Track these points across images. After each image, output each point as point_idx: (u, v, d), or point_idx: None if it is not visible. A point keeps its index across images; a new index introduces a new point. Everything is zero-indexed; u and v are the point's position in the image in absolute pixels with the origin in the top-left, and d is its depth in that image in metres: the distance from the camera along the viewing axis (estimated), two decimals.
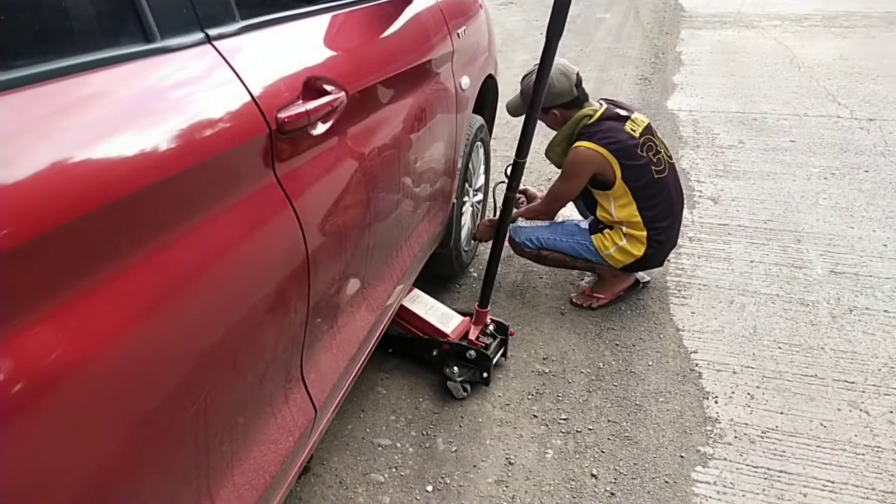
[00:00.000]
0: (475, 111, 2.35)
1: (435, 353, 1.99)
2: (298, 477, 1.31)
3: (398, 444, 1.80)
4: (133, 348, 0.76)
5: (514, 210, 2.23)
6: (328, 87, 1.16)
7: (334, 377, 1.32)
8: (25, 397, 0.62)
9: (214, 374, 0.92)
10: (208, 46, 0.93)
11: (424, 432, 1.84)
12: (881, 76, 4.85)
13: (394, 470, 1.72)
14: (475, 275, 2.60)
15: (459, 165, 2.18)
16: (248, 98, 0.96)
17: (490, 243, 2.15)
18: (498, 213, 2.25)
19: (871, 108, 4.21)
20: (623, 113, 2.24)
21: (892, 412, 1.83)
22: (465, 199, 2.44)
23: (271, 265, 1.02)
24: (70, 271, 0.69)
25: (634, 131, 2.19)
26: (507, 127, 3.88)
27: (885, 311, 2.26)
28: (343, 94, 1.19)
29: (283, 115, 1.01)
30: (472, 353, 1.95)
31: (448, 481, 1.68)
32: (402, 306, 1.99)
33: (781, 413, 1.85)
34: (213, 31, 0.94)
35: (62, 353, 0.67)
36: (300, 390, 1.18)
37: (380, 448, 1.79)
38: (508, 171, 1.98)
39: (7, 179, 0.62)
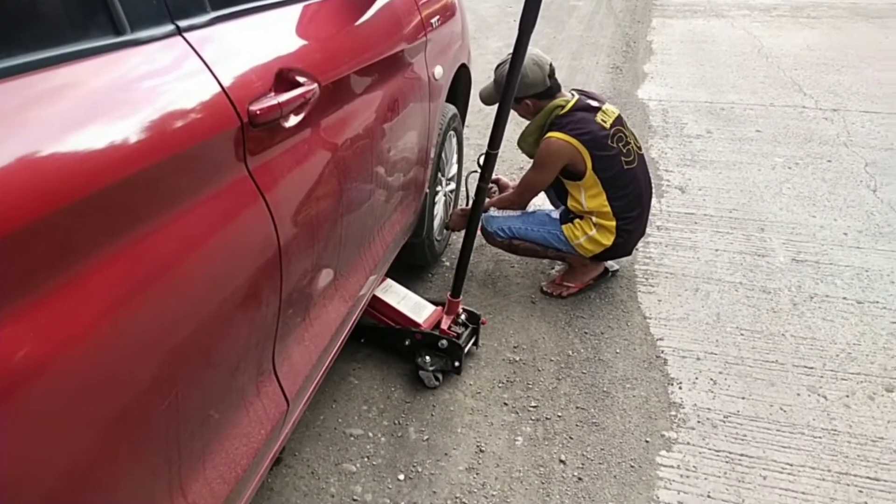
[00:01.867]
0: (448, 100, 2.35)
1: (407, 342, 2.01)
2: (270, 468, 1.32)
3: (370, 434, 1.82)
4: (104, 344, 0.76)
5: (487, 200, 2.25)
6: (300, 79, 1.15)
7: (307, 369, 1.33)
8: None
9: (186, 368, 0.92)
10: (178, 38, 0.92)
11: (396, 421, 1.86)
12: (846, 67, 4.97)
13: (366, 459, 1.74)
14: (447, 264, 2.62)
15: (432, 155, 2.18)
16: (220, 90, 0.95)
17: (462, 232, 2.16)
18: (470, 203, 2.26)
19: (836, 99, 4.31)
20: (594, 104, 2.26)
21: (848, 396, 1.91)
22: (438, 188, 2.45)
23: (243, 258, 1.02)
24: (40, 267, 0.68)
25: (605, 122, 2.22)
26: (480, 115, 3.89)
27: (844, 298, 2.33)
28: (315, 85, 1.18)
29: (255, 107, 1.01)
30: (444, 342, 1.97)
31: (420, 469, 1.71)
32: (374, 296, 1.99)
33: (743, 398, 1.91)
34: (183, 23, 0.93)
35: (32, 349, 0.66)
36: (272, 383, 1.19)
37: (352, 438, 1.81)
38: (481, 161, 1.99)
39: None
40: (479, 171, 1.99)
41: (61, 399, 0.71)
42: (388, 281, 2.09)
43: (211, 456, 1.00)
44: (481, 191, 1.99)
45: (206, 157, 0.93)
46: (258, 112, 1.01)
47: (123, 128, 0.79)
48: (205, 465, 0.99)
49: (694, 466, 1.70)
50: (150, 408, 0.85)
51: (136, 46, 0.84)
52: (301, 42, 1.27)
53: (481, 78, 2.81)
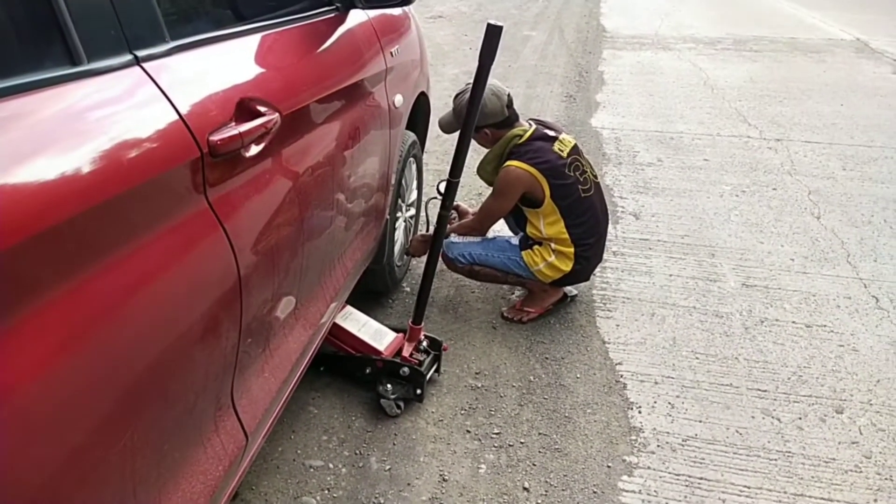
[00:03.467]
0: (408, 127, 2.37)
1: (368, 370, 1.98)
2: None
3: (330, 465, 1.78)
4: (55, 381, 0.73)
5: (448, 226, 2.26)
6: (261, 108, 1.15)
7: (266, 401, 1.29)
8: None
9: (142, 404, 0.89)
10: (137, 68, 0.90)
11: (357, 451, 1.83)
12: (787, 98, 5.20)
13: (326, 492, 1.70)
14: (408, 290, 2.61)
15: (393, 182, 2.18)
16: (178, 120, 0.94)
17: (423, 258, 2.16)
18: (431, 229, 2.26)
19: (779, 129, 4.51)
20: (551, 133, 2.31)
21: (800, 419, 1.96)
22: (399, 214, 2.45)
23: (202, 291, 1.00)
24: None
25: (562, 151, 2.27)
26: (438, 141, 3.92)
27: (793, 322, 2.41)
28: (277, 115, 1.18)
29: (215, 137, 0.99)
30: (406, 369, 1.95)
31: (382, 501, 1.68)
32: (334, 324, 1.97)
33: (700, 421, 1.95)
34: (141, 53, 0.91)
35: None
36: (231, 417, 1.15)
37: (311, 469, 1.76)
38: (441, 188, 2.01)
39: None
40: (440, 197, 2.00)
41: (8, 438, 0.67)
42: (349, 308, 2.07)
43: (167, 495, 0.96)
44: (443, 218, 2.00)
45: (165, 188, 0.91)
46: (218, 142, 1.00)
47: (78, 159, 0.76)
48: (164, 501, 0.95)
49: (655, 491, 1.71)
50: (104, 446, 0.82)
51: (92, 77, 0.82)
52: (261, 71, 1.27)
53: (439, 105, 2.85)
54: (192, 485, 1.03)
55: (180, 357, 0.95)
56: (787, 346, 2.28)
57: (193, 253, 0.97)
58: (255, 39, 1.29)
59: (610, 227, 2.69)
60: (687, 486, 1.73)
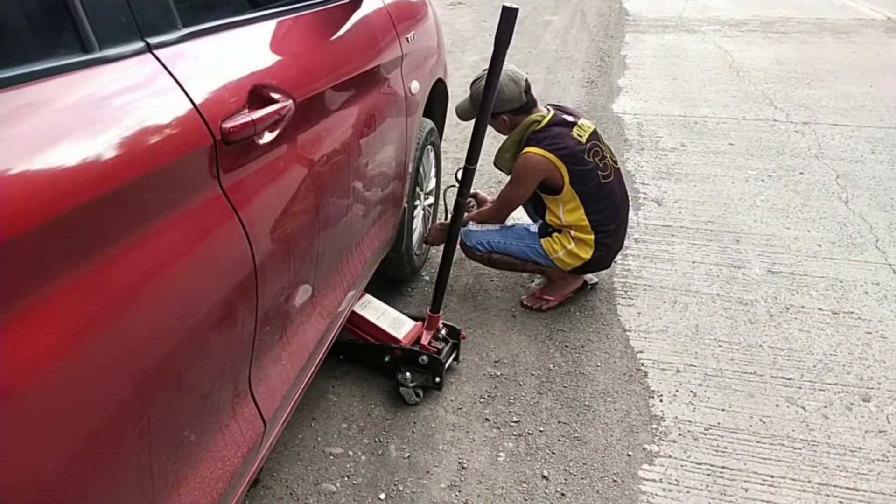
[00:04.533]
0: (425, 115, 2.36)
1: (387, 358, 1.98)
2: (247, 491, 1.28)
3: (350, 453, 1.79)
4: (73, 367, 0.73)
5: (465, 214, 2.25)
6: (275, 95, 1.14)
7: (284, 389, 1.30)
8: None
9: (160, 390, 0.90)
10: (149, 55, 0.90)
11: (377, 439, 1.83)
12: (815, 81, 5.08)
13: (346, 479, 1.71)
14: (427, 278, 2.60)
15: (410, 170, 2.17)
16: (191, 108, 0.93)
17: (441, 247, 2.16)
18: (449, 217, 2.25)
19: (806, 112, 4.40)
20: (570, 119, 2.28)
21: (826, 407, 1.92)
22: (417, 202, 2.44)
23: (218, 278, 1.00)
24: (6, 290, 0.66)
25: (581, 137, 2.24)
26: (458, 129, 3.90)
27: (820, 309, 2.36)
28: (290, 101, 1.17)
29: (228, 124, 0.99)
30: (425, 358, 1.95)
31: (401, 488, 1.68)
32: (353, 312, 1.97)
33: (723, 410, 1.92)
34: (153, 40, 0.91)
35: None
36: (249, 404, 1.16)
37: (331, 457, 1.77)
38: (459, 175, 1.99)
39: None
40: (457, 185, 1.99)
41: (27, 425, 0.68)
42: (367, 296, 2.07)
43: (186, 480, 0.97)
44: (459, 205, 1.99)
45: (178, 175, 0.91)
46: (232, 129, 0.99)
47: (92, 147, 0.76)
48: (179, 490, 0.96)
49: (676, 480, 1.69)
50: (122, 432, 0.83)
51: (105, 64, 0.82)
52: (275, 58, 1.26)
53: (458, 92, 2.82)
54: (210, 471, 1.04)
55: (196, 344, 0.95)
56: (813, 334, 2.24)
57: (208, 240, 0.97)
58: (268, 26, 1.28)
59: (631, 213, 2.65)
60: (709, 475, 1.71)
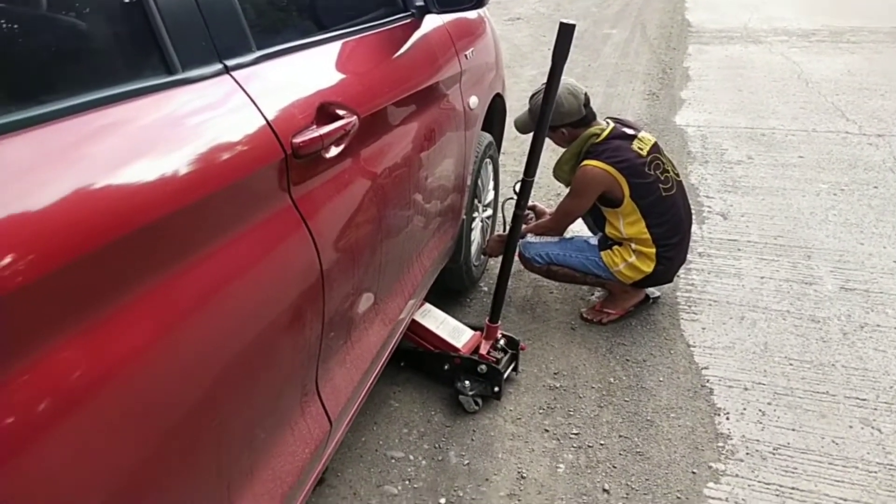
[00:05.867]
0: (484, 128, 2.39)
1: (446, 367, 2.01)
2: (314, 488, 1.33)
3: (411, 457, 1.82)
4: (156, 366, 0.79)
5: (524, 226, 2.26)
6: (340, 112, 1.20)
7: (349, 390, 1.35)
8: (50, 414, 0.65)
9: (234, 389, 0.95)
10: (226, 76, 0.97)
11: (437, 445, 1.86)
12: (889, 92, 4.85)
13: (407, 482, 1.74)
14: (486, 289, 2.63)
15: (469, 182, 2.21)
16: (265, 124, 0.99)
17: (500, 258, 2.18)
18: (507, 229, 2.27)
19: (880, 124, 4.21)
20: (630, 132, 2.27)
21: None
22: (475, 214, 2.47)
23: (287, 284, 1.06)
24: (94, 295, 0.72)
25: (642, 150, 2.22)
26: (516, 142, 3.92)
27: None
28: (355, 117, 1.23)
29: (297, 139, 1.05)
30: (484, 367, 1.96)
31: (461, 494, 1.70)
32: (413, 321, 2.01)
33: (793, 430, 1.85)
34: (230, 62, 0.98)
35: (86, 371, 0.69)
36: (316, 403, 1.21)
37: (393, 460, 1.81)
38: (517, 188, 2.01)
39: (36, 207, 0.65)
40: (516, 197, 2.01)
41: (114, 417, 0.74)
42: (427, 305, 2.11)
43: (259, 472, 1.03)
44: (517, 217, 2.01)
45: (253, 187, 0.97)
46: (301, 144, 1.05)
47: (175, 161, 0.83)
48: (253, 481, 1.01)
49: (743, 499, 1.64)
50: (202, 426, 0.88)
51: (187, 85, 0.89)
52: (341, 77, 1.32)
53: (516, 106, 2.85)
54: (281, 464, 1.09)
55: (269, 345, 1.01)
56: (890, 354, 2.13)
57: (279, 248, 1.03)
58: (334, 47, 1.34)
59: (695, 227, 2.60)
60: (777, 495, 1.65)
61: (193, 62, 0.91)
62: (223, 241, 0.91)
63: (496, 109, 2.59)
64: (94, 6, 0.86)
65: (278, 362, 1.05)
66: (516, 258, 2.21)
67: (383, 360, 1.62)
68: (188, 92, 0.89)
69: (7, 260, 0.61)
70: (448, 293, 2.50)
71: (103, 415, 0.72)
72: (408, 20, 1.70)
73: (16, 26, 0.74)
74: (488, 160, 2.52)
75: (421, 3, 1.74)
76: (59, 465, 0.66)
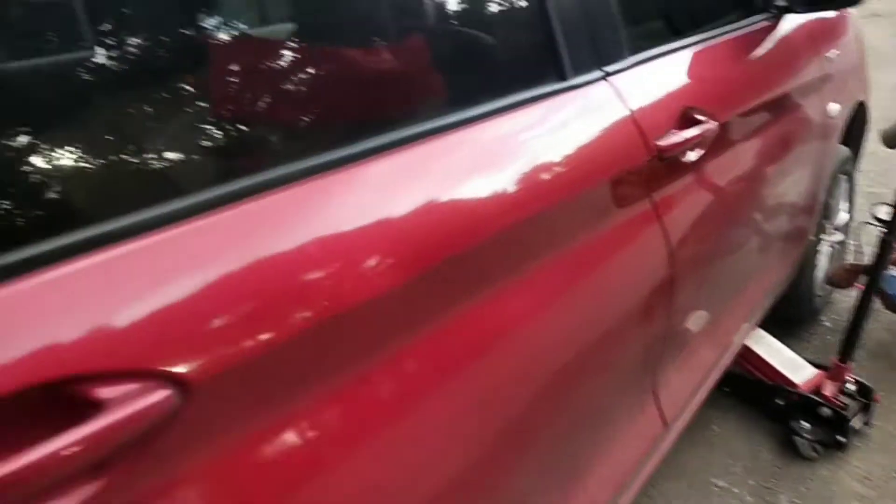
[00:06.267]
0: (841, 141, 2.12)
1: (780, 402, 1.82)
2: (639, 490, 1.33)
3: (735, 490, 1.69)
4: (517, 355, 0.85)
5: (892, 257, 1.93)
6: (700, 117, 1.18)
7: (684, 397, 1.34)
8: (402, 405, 0.71)
9: (585, 378, 1.01)
10: (605, 82, 1.03)
11: (765, 485, 1.70)
12: None
13: None
14: (828, 324, 2.31)
15: (820, 200, 1.98)
16: (635, 128, 1.04)
17: (847, 291, 1.90)
18: (861, 258, 1.98)
19: None
20: None
21: None
22: (823, 237, 2.20)
23: (641, 284, 1.09)
24: (495, 271, 0.82)
25: None
26: (873, 158, 3.36)
27: None
28: (715, 124, 1.20)
29: (661, 143, 1.07)
30: (827, 410, 1.73)
31: None
32: (744, 345, 1.87)
33: None
34: (608, 68, 1.05)
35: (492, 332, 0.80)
36: (652, 404, 1.22)
37: (715, 488, 1.71)
38: (881, 212, 1.74)
39: (443, 207, 0.75)
40: (875, 223, 1.74)
41: (477, 395, 0.80)
42: (760, 331, 1.94)
43: (599, 460, 1.08)
44: (885, 244, 1.73)
45: (623, 186, 1.02)
46: (665, 147, 1.07)
47: (566, 159, 0.91)
48: (594, 469, 1.07)
49: None
50: (553, 417, 0.95)
51: (574, 90, 0.98)
52: (701, 81, 1.30)
53: (875, 116, 2.48)
54: (618, 457, 1.13)
55: (620, 337, 1.05)
56: None
57: (638, 247, 1.07)
58: (695, 51, 1.33)
59: None
60: None
61: (580, 69, 0.99)
62: (590, 235, 0.97)
63: (857, 119, 2.28)
64: (510, 23, 1.02)
65: (627, 355, 1.09)
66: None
67: (714, 377, 1.54)
68: (575, 96, 0.98)
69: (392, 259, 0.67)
70: (783, 322, 2.25)
71: (468, 392, 0.77)
72: (766, 21, 1.61)
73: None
74: (843, 177, 2.23)
75: (782, 3, 1.63)
76: (407, 454, 0.71)
